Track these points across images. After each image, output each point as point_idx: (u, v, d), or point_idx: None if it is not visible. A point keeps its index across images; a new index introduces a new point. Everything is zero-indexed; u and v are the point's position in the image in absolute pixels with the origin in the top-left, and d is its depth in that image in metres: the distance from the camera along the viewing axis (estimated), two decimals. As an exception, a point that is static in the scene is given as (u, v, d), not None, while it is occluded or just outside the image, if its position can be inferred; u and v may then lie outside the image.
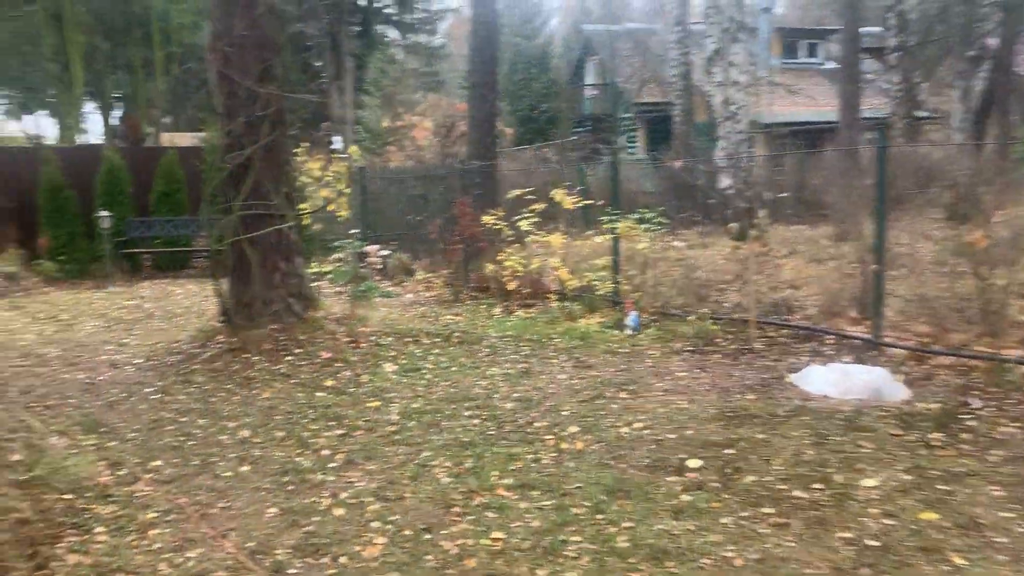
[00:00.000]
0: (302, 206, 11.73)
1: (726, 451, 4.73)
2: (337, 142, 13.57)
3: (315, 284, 9.49)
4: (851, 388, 5.77)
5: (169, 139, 19.24)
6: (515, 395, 6.10)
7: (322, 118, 23.79)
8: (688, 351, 7.24)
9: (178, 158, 15.07)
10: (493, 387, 6.35)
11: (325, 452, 5.10)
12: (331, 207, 12.12)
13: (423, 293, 11.45)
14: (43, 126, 23.58)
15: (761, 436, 4.92)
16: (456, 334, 8.04)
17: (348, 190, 12.40)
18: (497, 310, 9.51)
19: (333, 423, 5.64)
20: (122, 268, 13.84)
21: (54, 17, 16.71)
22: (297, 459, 5.02)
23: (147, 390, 6.61)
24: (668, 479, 4.44)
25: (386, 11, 27.94)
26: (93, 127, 24.74)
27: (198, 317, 9.65)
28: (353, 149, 12.97)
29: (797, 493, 4.17)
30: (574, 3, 44.52)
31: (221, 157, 7.59)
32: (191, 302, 11.13)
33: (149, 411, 6.09)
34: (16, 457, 4.82)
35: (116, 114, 25.06)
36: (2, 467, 4.55)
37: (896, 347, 6.59)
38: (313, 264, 13.04)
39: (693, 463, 4.59)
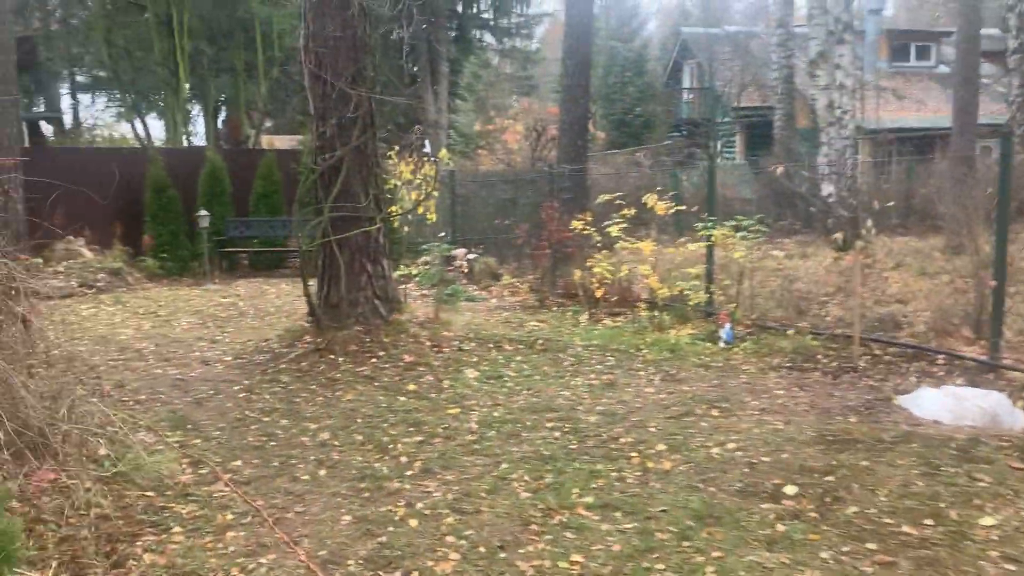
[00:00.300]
0: (392, 208, 11.81)
1: (826, 478, 4.39)
2: (428, 145, 13.60)
3: (402, 287, 9.50)
4: (965, 414, 5.31)
5: (268, 141, 19.78)
6: (599, 408, 5.88)
7: (415, 121, 24.07)
8: (786, 368, 6.86)
9: (276, 160, 15.44)
10: (576, 398, 6.15)
11: (403, 459, 5.00)
12: (420, 210, 12.14)
13: (508, 298, 11.33)
14: (153, 129, 24.61)
15: (865, 463, 4.55)
16: (540, 341, 7.87)
17: (436, 193, 12.40)
18: (583, 318, 9.29)
19: (412, 429, 5.54)
20: (220, 267, 14.23)
21: (164, 23, 17.42)
22: (375, 465, 4.93)
23: (234, 388, 6.69)
24: (761, 506, 4.14)
25: (483, 16, 28.03)
26: (199, 129, 25.72)
27: (288, 317, 9.78)
28: (443, 153, 12.99)
29: (905, 529, 3.81)
30: (672, 6, 43.83)
31: (313, 159, 7.64)
32: (283, 301, 11.31)
33: (234, 409, 6.14)
34: (102, 452, 4.89)
35: (219, 117, 25.99)
36: (88, 461, 4.62)
37: (1016, 370, 6.07)
38: (401, 266, 13.14)
39: (789, 490, 4.28)
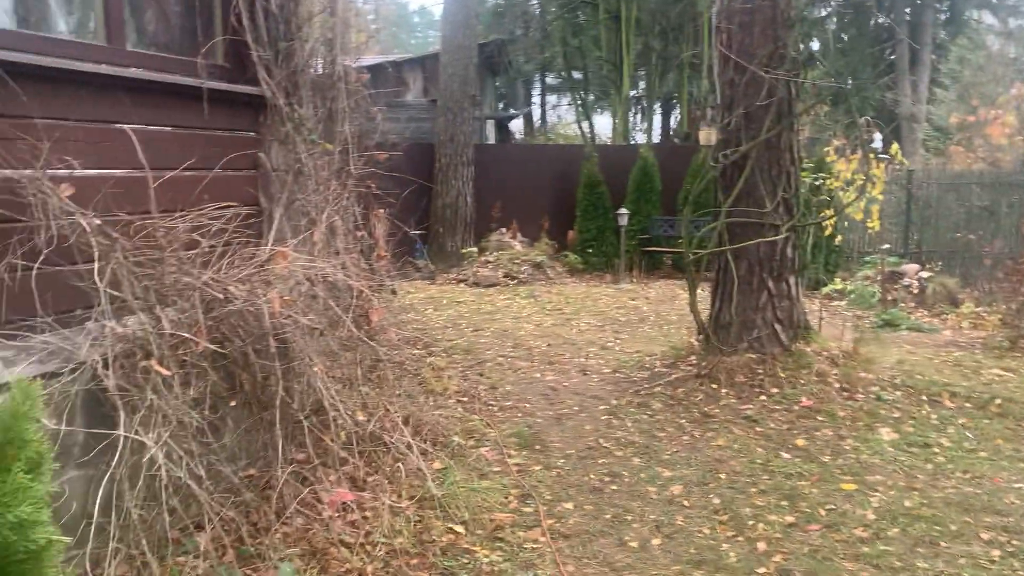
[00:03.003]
0: (826, 212, 10.21)
1: None
2: (878, 140, 11.59)
3: (834, 303, 8.01)
4: None
5: (706, 136, 19.06)
6: (1076, 523, 3.99)
7: (890, 115, 21.33)
8: None
9: (710, 156, 14.62)
10: (1040, 500, 4.29)
11: (760, 545, 3.84)
12: (858, 215, 10.34)
13: (967, 332, 9.02)
14: (603, 126, 25.54)
15: None
16: (998, 401, 5.88)
17: (880, 196, 10.43)
18: (1074, 371, 6.87)
19: (785, 503, 4.30)
20: (640, 266, 13.89)
21: (613, 19, 17.68)
22: (723, 546, 3.85)
23: (599, 407, 6.04)
24: None
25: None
26: (644, 126, 26.05)
27: (688, 329, 8.89)
28: (894, 148, 10.88)
29: None
30: None
31: (713, 154, 6.65)
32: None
33: (590, 434, 5.47)
34: (437, 465, 4.58)
35: (669, 113, 26.01)
36: (415, 474, 4.31)
37: None
38: (833, 281, 11.40)
39: None
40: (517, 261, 12.55)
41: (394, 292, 5.92)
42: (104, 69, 3.52)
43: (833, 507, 4.24)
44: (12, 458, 1.61)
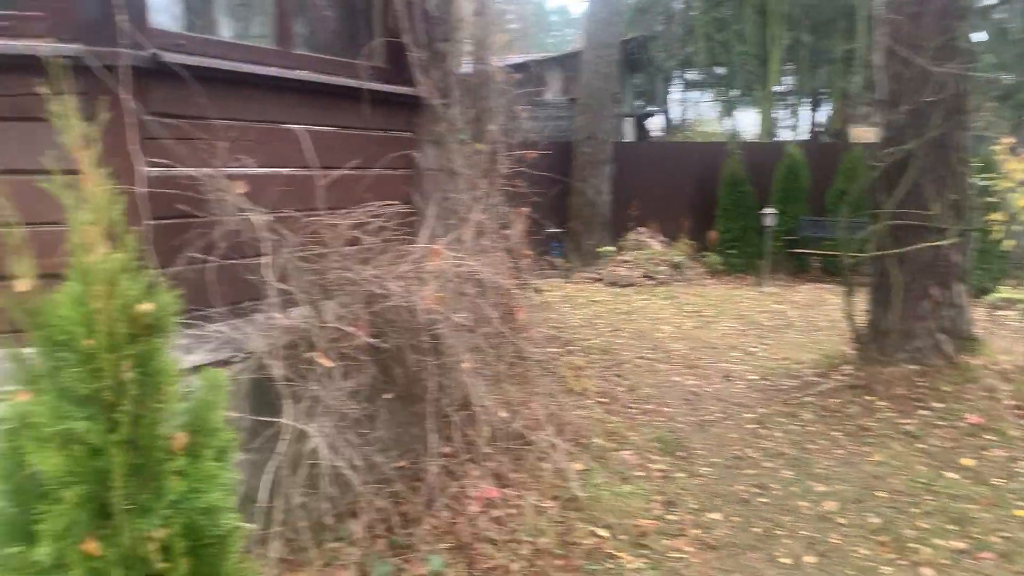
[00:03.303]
0: (994, 216, 9.49)
1: None
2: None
3: (1000, 313, 7.44)
4: None
5: (858, 134, 18.12)
6: None
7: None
8: None
9: (863, 156, 13.88)
10: None
11: (926, 571, 3.59)
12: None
13: None
14: (745, 123, 24.72)
15: None
16: None
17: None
18: None
19: (953, 528, 4.02)
20: (784, 268, 13.37)
21: (759, 14, 17.05)
22: (882, 569, 3.64)
23: (745, 415, 5.85)
24: None
25: None
26: (793, 123, 25.04)
27: (840, 336, 8.48)
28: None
29: None
30: None
31: (875, 153, 6.30)
32: (841, 316, 9.97)
33: (736, 443, 5.31)
34: (579, 466, 4.56)
35: (818, 110, 24.89)
36: (557, 474, 4.30)
37: None
38: (1000, 289, 10.59)
39: None
40: (655, 261, 12.35)
41: (538, 291, 5.94)
42: (274, 72, 3.69)
43: (1008, 535, 3.92)
44: (202, 445, 1.69)
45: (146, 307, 1.58)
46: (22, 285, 1.60)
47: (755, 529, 4.10)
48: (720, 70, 21.07)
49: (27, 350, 1.63)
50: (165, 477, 1.55)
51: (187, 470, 1.59)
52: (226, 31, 4.53)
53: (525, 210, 6.14)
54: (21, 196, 1.97)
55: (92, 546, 1.47)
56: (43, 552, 1.45)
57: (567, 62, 17.47)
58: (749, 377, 6.89)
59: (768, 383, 6.65)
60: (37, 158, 1.84)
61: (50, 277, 1.68)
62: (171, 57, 3.09)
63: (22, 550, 1.52)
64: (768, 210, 12.57)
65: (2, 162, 2.87)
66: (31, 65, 2.76)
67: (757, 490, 4.57)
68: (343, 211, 3.74)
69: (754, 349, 8.01)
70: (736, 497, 4.48)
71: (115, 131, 2.92)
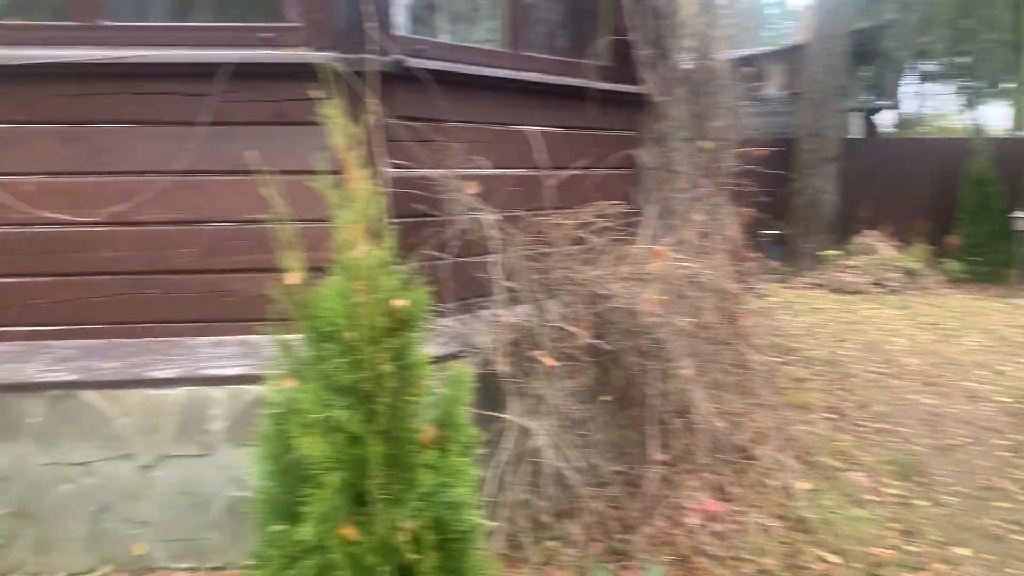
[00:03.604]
0: None
1: None
2: None
3: None
4: None
5: None
6: None
7: None
8: None
9: None
10: None
11: None
12: None
13: None
14: (991, 116, 22.37)
15: None
16: None
17: None
18: None
19: None
20: (1041, 278, 11.95)
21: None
22: None
23: (996, 441, 5.25)
24: None
25: None
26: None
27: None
28: None
29: None
30: None
31: None
32: (1112, 333, 8.76)
33: (986, 471, 4.77)
34: (806, 485, 4.29)
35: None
36: (780, 491, 4.07)
37: None
38: None
39: None
40: (886, 266, 11.44)
41: (761, 296, 5.66)
42: (507, 73, 3.76)
43: None
44: (449, 439, 1.72)
45: (402, 302, 1.63)
46: (292, 278, 1.70)
47: (1009, 570, 3.65)
48: (962, 60, 19.22)
49: (292, 338, 1.74)
50: (416, 469, 1.59)
51: (436, 464, 1.62)
52: (450, 35, 4.68)
53: (747, 211, 5.89)
54: (285, 194, 2.12)
55: (350, 531, 1.53)
56: (307, 532, 1.53)
57: (789, 55, 16.64)
58: (999, 399, 6.18)
59: (1023, 407, 5.94)
60: (303, 158, 1.96)
61: (313, 271, 1.77)
62: (414, 62, 3.22)
63: (286, 529, 1.61)
64: (1019, 213, 11.29)
65: (268, 163, 3.12)
66: (290, 73, 2.98)
67: (1013, 526, 4.08)
68: (568, 211, 3.74)
69: (1004, 368, 7.19)
70: (987, 532, 4.02)
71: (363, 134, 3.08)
